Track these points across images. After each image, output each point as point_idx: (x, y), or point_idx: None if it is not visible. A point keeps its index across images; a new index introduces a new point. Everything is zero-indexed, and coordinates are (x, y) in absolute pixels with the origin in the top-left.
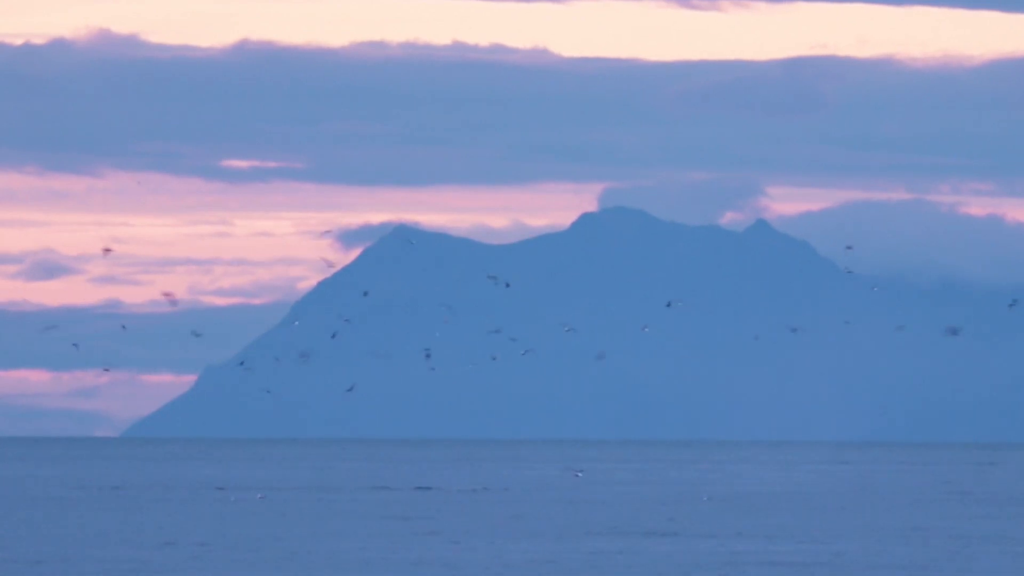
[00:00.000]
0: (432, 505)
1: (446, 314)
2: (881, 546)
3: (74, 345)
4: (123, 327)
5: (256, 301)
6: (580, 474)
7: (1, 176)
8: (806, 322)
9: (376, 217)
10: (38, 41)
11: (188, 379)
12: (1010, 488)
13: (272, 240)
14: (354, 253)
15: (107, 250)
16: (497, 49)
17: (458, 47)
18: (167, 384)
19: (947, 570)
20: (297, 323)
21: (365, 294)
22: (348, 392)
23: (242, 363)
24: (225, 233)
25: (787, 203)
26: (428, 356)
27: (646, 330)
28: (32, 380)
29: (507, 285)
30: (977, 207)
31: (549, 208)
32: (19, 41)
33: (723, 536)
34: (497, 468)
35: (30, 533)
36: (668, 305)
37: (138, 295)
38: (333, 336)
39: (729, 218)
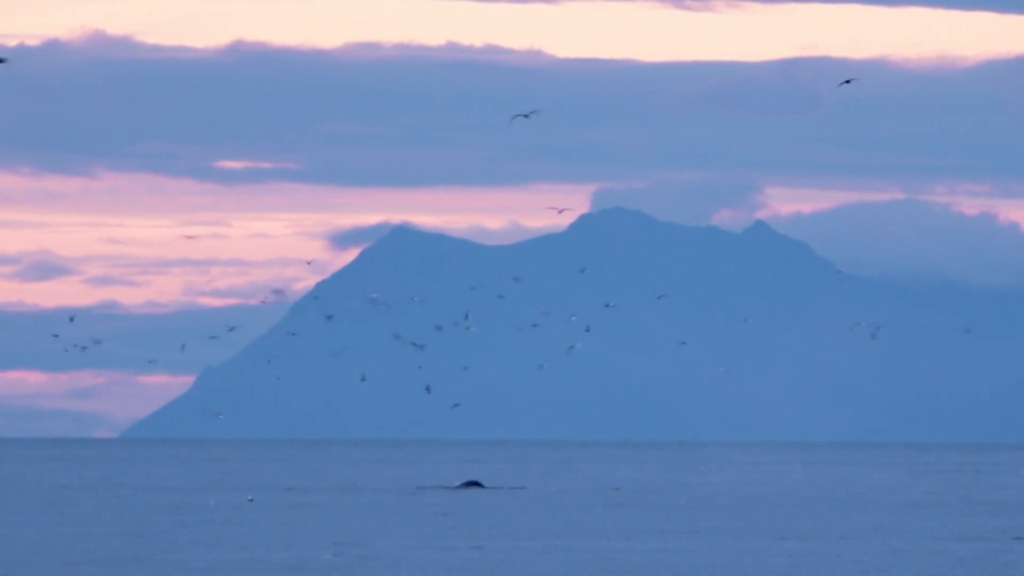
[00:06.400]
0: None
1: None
2: (853, 546)
3: (96, 342)
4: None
5: (253, 302)
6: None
7: None
8: (805, 322)
9: (372, 218)
10: (33, 42)
11: (187, 380)
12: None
13: (268, 241)
14: (350, 254)
15: None
16: (491, 50)
17: (452, 48)
18: (166, 385)
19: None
20: (328, 316)
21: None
22: (427, 390)
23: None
24: (221, 234)
25: (785, 204)
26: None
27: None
28: (29, 381)
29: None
30: (972, 207)
31: (546, 209)
32: (14, 42)
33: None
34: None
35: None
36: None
37: (134, 296)
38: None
39: (727, 219)
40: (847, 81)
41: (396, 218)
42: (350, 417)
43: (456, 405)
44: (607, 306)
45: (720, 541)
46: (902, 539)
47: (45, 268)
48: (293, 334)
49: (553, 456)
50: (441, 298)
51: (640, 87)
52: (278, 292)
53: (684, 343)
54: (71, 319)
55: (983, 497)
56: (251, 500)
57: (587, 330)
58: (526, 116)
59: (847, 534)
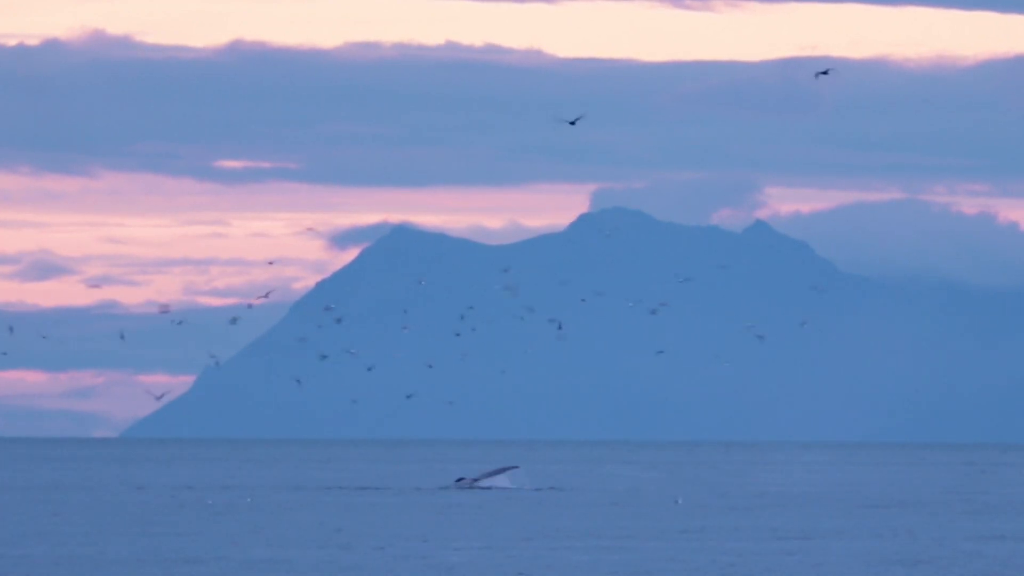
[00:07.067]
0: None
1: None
2: (867, 545)
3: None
4: (121, 336)
5: (254, 301)
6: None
7: None
8: (804, 323)
9: (371, 218)
10: (32, 42)
11: (187, 380)
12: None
13: (268, 241)
14: (350, 254)
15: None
16: (491, 50)
17: (451, 47)
18: (165, 385)
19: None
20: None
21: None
22: (408, 399)
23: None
24: (221, 234)
25: (785, 203)
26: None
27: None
28: (29, 380)
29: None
30: (971, 207)
31: (546, 209)
32: (13, 42)
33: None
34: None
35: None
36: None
37: (134, 296)
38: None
39: (728, 218)
40: (824, 72)
41: (395, 218)
42: (350, 417)
43: (410, 396)
44: (583, 301)
45: (770, 541)
46: (918, 538)
47: (45, 268)
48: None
49: (568, 456)
50: (441, 297)
51: (640, 87)
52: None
53: (662, 351)
54: (10, 329)
55: (989, 497)
56: (249, 501)
57: (560, 327)
58: (572, 123)
59: (869, 532)
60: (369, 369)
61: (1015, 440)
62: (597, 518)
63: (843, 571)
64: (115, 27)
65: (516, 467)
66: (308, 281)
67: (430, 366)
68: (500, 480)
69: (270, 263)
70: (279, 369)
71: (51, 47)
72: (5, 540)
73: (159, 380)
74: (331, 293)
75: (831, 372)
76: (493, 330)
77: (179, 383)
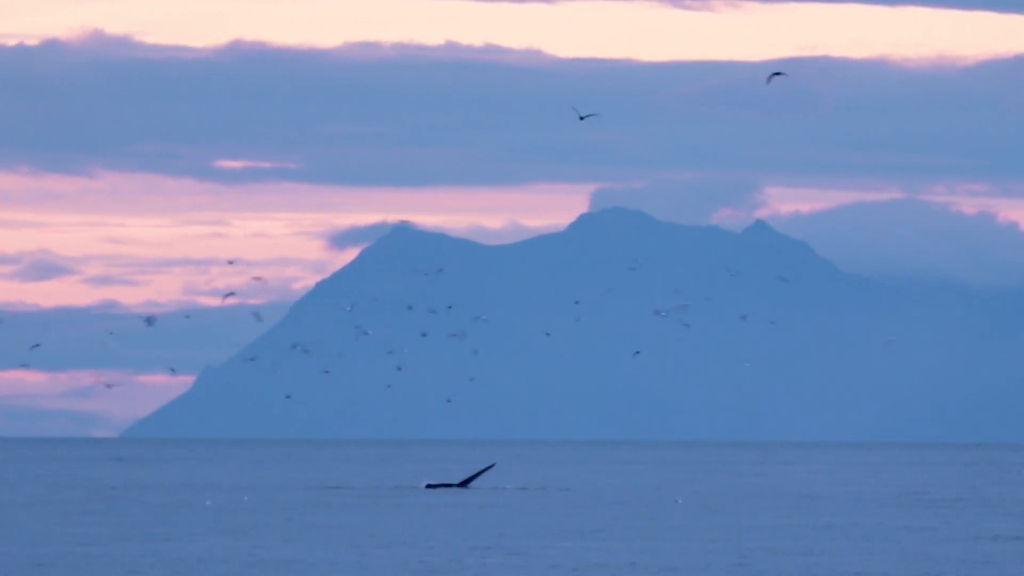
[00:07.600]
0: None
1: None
2: (867, 546)
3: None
4: (111, 332)
5: (253, 302)
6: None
7: None
8: (806, 322)
9: (371, 218)
10: (32, 42)
11: (187, 380)
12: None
13: (268, 241)
14: (349, 254)
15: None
16: (490, 50)
17: (451, 47)
18: (165, 385)
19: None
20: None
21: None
22: (287, 399)
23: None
24: (221, 234)
25: (785, 203)
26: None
27: (639, 353)
28: (29, 380)
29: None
30: (971, 207)
31: (546, 209)
32: (13, 42)
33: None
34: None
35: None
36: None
37: (134, 296)
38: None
39: (727, 218)
40: (776, 74)
41: (395, 218)
42: (349, 417)
43: (389, 386)
44: (576, 303)
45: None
46: (919, 538)
47: (45, 268)
48: (253, 359)
49: (575, 456)
50: (440, 298)
51: (639, 87)
52: (150, 320)
53: (639, 352)
54: None
55: (990, 496)
56: (246, 500)
57: (547, 334)
58: (581, 118)
59: (879, 532)
60: (326, 372)
61: (1016, 440)
62: (598, 518)
63: (843, 570)
64: (115, 27)
65: (494, 464)
66: (308, 281)
67: (399, 368)
68: (495, 480)
69: (230, 263)
70: (279, 369)
71: (51, 47)
72: (7, 540)
73: (159, 380)
74: (331, 293)
75: (831, 372)
76: (493, 330)
77: (179, 383)
